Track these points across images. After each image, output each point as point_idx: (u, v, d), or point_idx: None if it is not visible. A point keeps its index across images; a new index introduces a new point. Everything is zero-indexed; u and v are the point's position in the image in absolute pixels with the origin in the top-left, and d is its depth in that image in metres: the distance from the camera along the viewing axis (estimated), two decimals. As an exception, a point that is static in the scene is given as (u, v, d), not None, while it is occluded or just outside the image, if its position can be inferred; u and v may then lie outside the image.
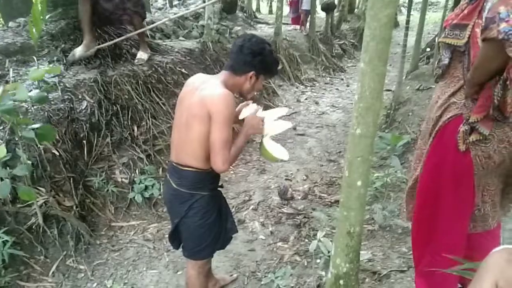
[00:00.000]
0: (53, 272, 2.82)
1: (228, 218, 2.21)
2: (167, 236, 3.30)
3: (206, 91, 1.87)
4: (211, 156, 1.87)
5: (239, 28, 7.88)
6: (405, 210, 2.37)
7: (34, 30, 3.19)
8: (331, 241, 2.46)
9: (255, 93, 2.08)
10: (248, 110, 2.12)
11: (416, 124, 4.78)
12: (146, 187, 3.58)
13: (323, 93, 8.05)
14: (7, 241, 2.62)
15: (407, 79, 6.45)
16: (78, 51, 3.97)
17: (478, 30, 1.72)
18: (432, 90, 5.35)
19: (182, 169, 1.97)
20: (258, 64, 1.95)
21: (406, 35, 6.01)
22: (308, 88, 8.18)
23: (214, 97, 1.82)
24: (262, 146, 2.05)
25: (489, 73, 1.66)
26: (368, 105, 1.56)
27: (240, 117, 2.11)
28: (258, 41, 1.98)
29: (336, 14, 11.87)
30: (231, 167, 4.49)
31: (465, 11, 1.80)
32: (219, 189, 2.16)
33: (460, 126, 1.82)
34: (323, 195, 4.04)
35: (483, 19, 1.62)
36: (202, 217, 2.02)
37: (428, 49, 8.31)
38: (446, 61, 1.92)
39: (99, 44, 4.24)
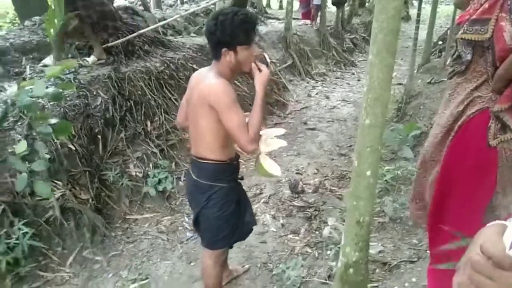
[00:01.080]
0: (70, 263, 2.90)
1: (247, 210, 2.24)
2: (180, 228, 3.40)
3: (201, 84, 1.91)
4: (236, 144, 1.92)
5: (249, 23, 7.90)
6: (412, 209, 2.36)
7: (51, 28, 3.29)
8: (342, 224, 2.50)
9: (252, 64, 1.93)
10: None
11: (427, 117, 4.76)
12: (160, 181, 3.65)
13: (334, 88, 8.05)
14: (26, 232, 2.71)
15: (419, 73, 6.41)
16: (91, 60, 4.08)
17: (503, 24, 1.71)
18: (444, 83, 5.32)
19: (200, 162, 2.03)
20: (222, 37, 1.83)
21: (417, 28, 5.97)
22: (319, 82, 8.18)
23: (209, 89, 1.85)
24: (258, 161, 2.05)
25: None
26: (377, 95, 1.58)
27: None
28: (213, 17, 1.87)
29: (346, 8, 11.81)
30: (241, 160, 4.55)
31: (486, 5, 1.78)
32: (239, 181, 2.20)
33: (490, 121, 1.81)
34: (333, 188, 4.07)
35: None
36: (221, 208, 2.06)
37: (440, 43, 8.24)
38: (468, 57, 1.90)
39: (113, 41, 4.32)
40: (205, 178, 2.04)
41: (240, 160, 2.21)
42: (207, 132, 1.94)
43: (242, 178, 2.25)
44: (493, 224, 0.78)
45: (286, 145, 2.08)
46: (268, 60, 7.00)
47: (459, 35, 1.91)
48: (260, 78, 1.93)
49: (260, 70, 1.95)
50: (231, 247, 2.50)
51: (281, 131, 2.12)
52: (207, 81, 1.88)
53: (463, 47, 1.92)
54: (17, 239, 2.67)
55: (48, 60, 3.88)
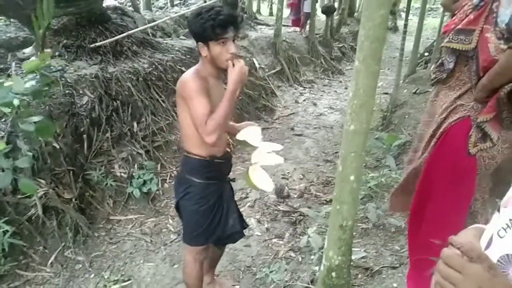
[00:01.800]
0: (51, 263, 2.87)
1: (231, 214, 2.21)
2: (164, 230, 3.38)
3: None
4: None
5: (239, 28, 7.94)
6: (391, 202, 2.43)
7: (39, 25, 3.26)
8: (323, 237, 2.52)
9: (227, 59, 1.88)
10: (248, 131, 2.08)
11: (412, 126, 4.84)
12: (145, 182, 3.63)
13: (321, 95, 8.12)
14: (7, 230, 2.67)
15: (405, 83, 6.53)
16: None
17: (488, 35, 1.77)
18: (429, 93, 5.41)
19: (184, 154, 2.10)
20: (194, 32, 1.88)
21: (403, 39, 6.08)
22: (307, 89, 8.25)
23: (180, 82, 1.92)
24: (248, 173, 1.98)
25: (510, 79, 1.70)
26: (362, 102, 1.62)
27: (238, 137, 2.05)
28: (191, 14, 1.92)
29: (336, 17, 11.95)
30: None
31: (471, 16, 1.84)
32: (229, 182, 2.21)
33: (472, 130, 1.86)
34: (318, 194, 4.10)
35: (497, 26, 1.68)
36: (197, 203, 2.08)
37: (426, 54, 8.40)
38: (451, 65, 1.95)
39: (95, 41, 4.28)
40: (185, 171, 2.09)
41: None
42: (184, 126, 1.99)
43: (232, 180, 2.25)
44: (471, 228, 0.80)
45: (283, 162, 2.06)
46: (257, 65, 7.05)
47: (444, 43, 1.97)
48: (233, 73, 1.88)
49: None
50: (220, 249, 2.52)
51: (278, 147, 2.06)
52: (181, 77, 1.94)
53: (447, 56, 1.98)
54: (-3, 237, 2.63)
55: (29, 49, 3.79)
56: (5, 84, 2.66)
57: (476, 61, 1.84)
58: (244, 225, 2.39)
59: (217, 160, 2.09)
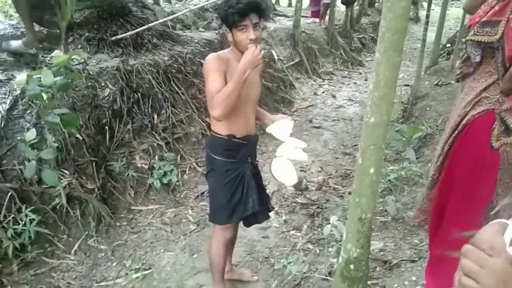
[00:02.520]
0: (75, 251, 2.95)
1: (250, 194, 2.23)
2: (184, 220, 3.44)
3: None
4: None
5: (258, 20, 7.90)
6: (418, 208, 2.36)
7: (62, 19, 3.33)
8: (344, 224, 2.52)
9: (247, 44, 1.96)
10: (280, 123, 2.15)
11: (433, 119, 4.77)
12: (165, 173, 3.69)
13: (340, 87, 8.05)
14: (33, 219, 2.77)
15: (426, 74, 6.41)
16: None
17: None
18: (451, 85, 5.31)
19: (211, 133, 2.23)
20: (219, 17, 2.03)
21: (425, 29, 5.95)
22: (326, 81, 8.18)
23: (204, 62, 2.06)
24: (272, 165, 2.03)
25: None
26: (383, 94, 1.60)
27: (268, 130, 2.12)
28: None
29: (356, 7, 11.78)
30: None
31: (496, 8, 1.80)
32: (252, 163, 2.27)
33: (495, 123, 1.82)
34: (337, 186, 4.09)
35: None
36: (216, 180, 2.21)
37: (448, 45, 8.21)
38: (477, 59, 1.90)
39: (116, 34, 4.34)
40: (209, 148, 2.24)
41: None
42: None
43: (252, 162, 2.29)
44: (494, 223, 0.79)
45: (306, 159, 2.09)
46: (276, 57, 7.02)
47: (469, 37, 1.92)
48: (245, 55, 1.96)
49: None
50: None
51: (303, 144, 2.10)
52: None
53: (472, 49, 1.93)
54: (24, 225, 2.72)
55: (16, 42, 3.74)
56: (34, 77, 2.74)
57: (502, 52, 1.79)
58: (269, 207, 2.47)
59: (236, 140, 2.14)
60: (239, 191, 2.21)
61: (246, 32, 1.96)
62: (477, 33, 1.86)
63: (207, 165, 2.33)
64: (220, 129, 2.12)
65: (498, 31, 1.77)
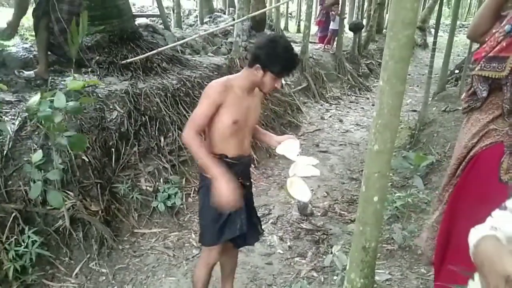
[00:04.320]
0: (76, 274, 2.92)
1: (238, 215, 2.19)
2: (187, 244, 3.40)
3: None
4: None
5: (266, 45, 8.01)
6: (428, 253, 2.30)
7: (73, 43, 3.40)
8: (346, 255, 2.47)
9: (270, 89, 2.10)
10: (287, 144, 2.21)
11: (440, 145, 4.73)
12: (169, 196, 3.68)
13: (347, 112, 8.06)
14: (35, 241, 2.75)
15: (434, 100, 6.40)
16: (27, 73, 3.87)
17: None
18: (459, 111, 5.29)
19: None
20: (264, 56, 1.98)
21: (432, 56, 5.98)
22: (333, 106, 8.20)
23: (206, 87, 2.08)
24: (287, 184, 2.07)
25: None
26: (386, 122, 1.60)
27: (278, 151, 2.20)
28: (272, 38, 2.04)
29: (364, 34, 11.91)
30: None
31: (503, 44, 1.79)
32: (243, 183, 2.24)
33: (504, 156, 1.80)
34: (343, 212, 4.03)
35: None
36: (203, 197, 2.20)
37: (456, 71, 8.22)
38: (484, 94, 1.88)
39: (126, 58, 4.42)
40: (201, 168, 2.21)
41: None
42: None
43: (247, 182, 2.29)
44: (485, 239, 0.84)
45: (319, 175, 2.11)
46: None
47: (475, 72, 1.90)
48: (223, 189, 1.92)
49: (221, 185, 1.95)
50: (232, 258, 2.55)
51: (314, 161, 2.15)
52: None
53: (479, 84, 1.90)
54: (25, 247, 2.71)
55: (28, 72, 3.87)
56: (46, 99, 2.78)
57: (510, 88, 1.78)
58: (259, 229, 2.46)
59: (227, 159, 2.13)
60: (230, 213, 2.18)
61: (277, 80, 2.05)
62: (484, 68, 1.85)
63: (199, 182, 2.35)
64: (212, 147, 2.12)
65: (506, 68, 1.76)
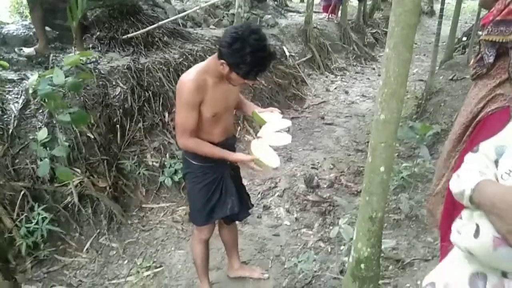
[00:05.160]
0: (87, 249, 2.98)
1: (229, 196, 2.23)
2: (194, 218, 3.42)
3: None
4: None
5: (269, 16, 7.85)
6: (431, 217, 2.32)
7: (73, 19, 3.35)
8: (354, 227, 2.48)
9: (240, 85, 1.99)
10: (270, 116, 2.11)
11: (447, 115, 4.67)
12: (176, 171, 3.69)
13: (353, 83, 7.96)
14: (45, 217, 2.80)
15: (441, 69, 6.28)
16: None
17: None
18: (466, 80, 5.20)
19: None
20: (228, 56, 1.79)
21: (440, 23, 5.83)
22: (338, 77, 8.10)
23: (179, 81, 1.95)
24: (251, 147, 1.98)
25: None
26: (393, 90, 1.57)
27: (254, 113, 2.13)
28: (241, 34, 1.75)
29: (369, 2, 11.63)
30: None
31: (511, 7, 1.75)
32: (231, 164, 2.24)
33: (510, 121, 1.77)
34: (349, 184, 4.04)
35: None
36: (193, 182, 2.20)
37: (464, 39, 8.03)
38: (491, 59, 1.85)
39: (127, 33, 4.35)
40: (184, 152, 2.20)
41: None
42: None
43: (233, 169, 2.30)
44: (486, 183, 0.93)
45: (290, 142, 1.98)
46: (287, 53, 6.98)
47: (483, 36, 1.87)
48: (242, 158, 2.03)
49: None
50: (232, 231, 2.62)
51: (287, 123, 2.04)
52: (183, 75, 1.97)
53: (486, 49, 1.87)
54: (36, 223, 2.75)
55: (28, 49, 3.82)
56: (45, 77, 2.77)
57: None
58: (249, 205, 2.50)
59: (215, 145, 2.11)
60: (217, 193, 2.22)
61: (238, 78, 1.88)
62: (491, 33, 1.80)
63: (183, 167, 2.31)
64: (198, 136, 2.05)
65: None
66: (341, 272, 2.72)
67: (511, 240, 0.82)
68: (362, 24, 10.56)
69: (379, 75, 8.37)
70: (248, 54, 1.74)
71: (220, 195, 2.22)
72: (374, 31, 11.15)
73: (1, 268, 2.58)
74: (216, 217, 2.29)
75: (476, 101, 1.91)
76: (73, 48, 3.94)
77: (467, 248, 0.95)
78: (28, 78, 3.45)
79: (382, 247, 2.03)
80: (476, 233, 0.91)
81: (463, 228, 0.97)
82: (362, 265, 1.94)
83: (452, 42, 6.74)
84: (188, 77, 1.91)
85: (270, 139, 1.99)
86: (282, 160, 4.54)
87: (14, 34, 4.23)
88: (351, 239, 2.49)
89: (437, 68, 6.05)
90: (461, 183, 1.00)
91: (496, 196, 0.87)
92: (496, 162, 0.99)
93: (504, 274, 0.93)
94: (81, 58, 3.07)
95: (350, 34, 9.52)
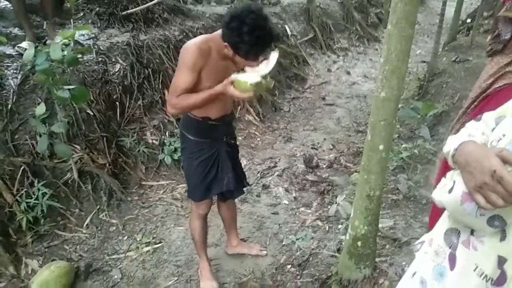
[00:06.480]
0: (87, 224, 3.01)
1: (225, 172, 2.23)
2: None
3: None
4: None
5: (272, -6, 7.72)
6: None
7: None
8: (351, 205, 2.50)
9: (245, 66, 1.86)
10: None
11: (449, 96, 4.64)
12: (175, 149, 3.69)
13: (355, 63, 7.88)
14: (45, 193, 2.82)
15: (444, 51, 6.22)
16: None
17: None
18: (469, 62, 5.15)
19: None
20: (228, 37, 1.79)
21: (444, 4, 5.72)
22: (340, 57, 8.00)
23: (183, 47, 1.92)
24: (236, 81, 1.80)
25: None
26: (394, 68, 1.55)
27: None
28: (239, 13, 1.74)
29: (373, -19, 11.42)
30: (257, 133, 4.56)
31: None
32: (228, 141, 2.25)
33: None
34: (348, 164, 4.05)
35: None
36: (188, 157, 2.20)
37: (468, 20, 7.91)
38: (507, 36, 1.82)
39: (126, 9, 4.27)
40: (182, 127, 2.21)
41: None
42: None
43: (231, 139, 2.30)
44: (467, 143, 0.96)
45: (276, 59, 1.83)
46: (289, 33, 6.89)
47: (501, 13, 1.84)
48: (231, 91, 1.82)
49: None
50: (230, 209, 2.63)
51: (274, 56, 1.85)
52: (190, 40, 1.95)
53: (503, 26, 1.85)
54: (36, 199, 2.77)
55: (24, 43, 3.53)
56: (42, 52, 2.74)
57: None
58: (245, 183, 2.50)
59: (211, 122, 2.10)
60: (213, 170, 2.22)
61: (249, 61, 1.85)
62: (510, 9, 1.77)
63: (180, 142, 2.29)
64: (195, 110, 2.04)
65: None
66: (338, 250, 2.74)
67: (475, 196, 0.84)
68: (366, 3, 10.37)
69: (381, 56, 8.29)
70: (246, 33, 1.73)
71: (216, 171, 2.22)
72: (377, 11, 10.96)
73: (2, 242, 2.61)
74: (213, 192, 2.30)
75: (486, 77, 1.90)
76: (72, 23, 3.89)
77: (441, 202, 0.98)
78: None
79: (380, 226, 2.05)
80: (451, 189, 0.94)
81: (442, 185, 1.00)
82: (359, 243, 1.96)
83: (456, 24, 6.64)
84: (193, 42, 1.91)
85: (258, 70, 1.83)
86: (282, 141, 4.54)
87: (11, 8, 4.16)
88: (349, 216, 2.52)
89: (440, 49, 5.98)
90: (450, 144, 1.03)
91: (470, 154, 0.90)
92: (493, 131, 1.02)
93: (472, 232, 0.97)
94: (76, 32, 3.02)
95: (353, 14, 9.37)
